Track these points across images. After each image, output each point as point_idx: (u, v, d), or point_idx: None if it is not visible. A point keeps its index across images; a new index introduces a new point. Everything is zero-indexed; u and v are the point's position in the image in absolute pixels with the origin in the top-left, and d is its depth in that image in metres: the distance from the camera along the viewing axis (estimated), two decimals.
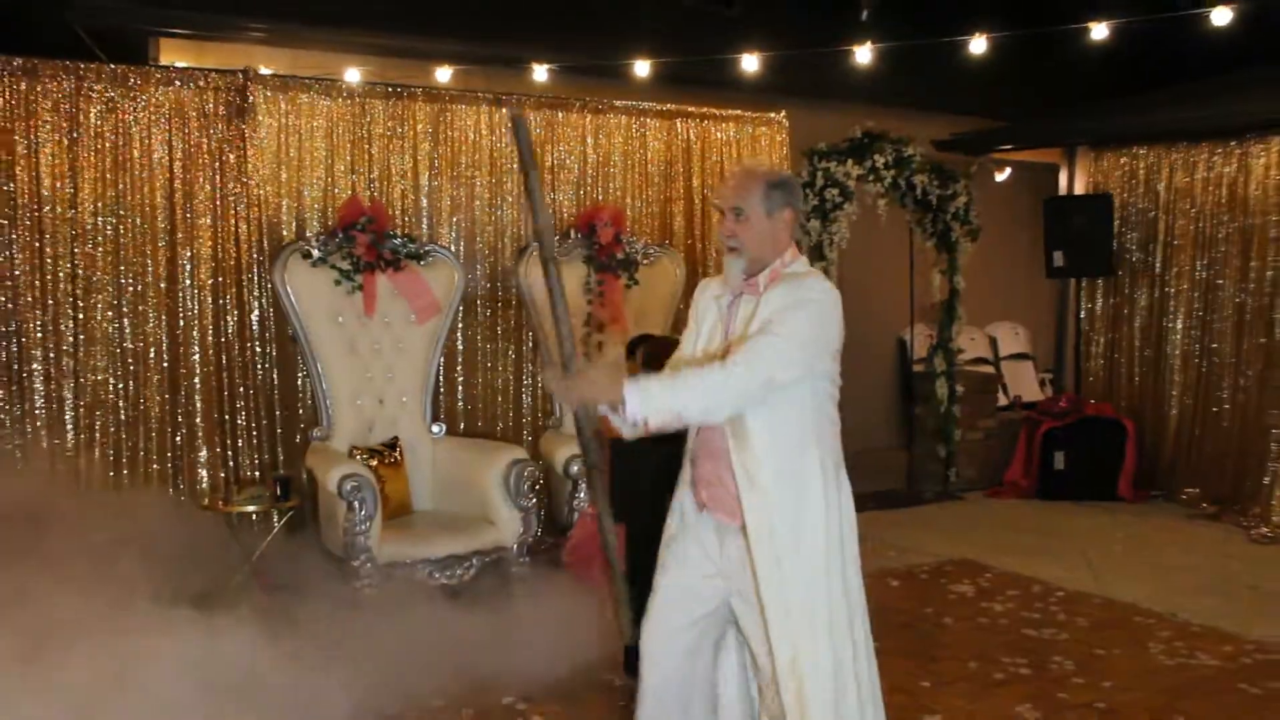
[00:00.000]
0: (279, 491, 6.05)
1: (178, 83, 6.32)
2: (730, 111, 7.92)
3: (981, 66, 8.21)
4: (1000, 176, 10.83)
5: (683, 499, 3.65)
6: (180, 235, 6.31)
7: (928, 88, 9.48)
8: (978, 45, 7.85)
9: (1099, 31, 7.57)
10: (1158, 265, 9.30)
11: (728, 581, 3.44)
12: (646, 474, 4.94)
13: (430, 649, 4.98)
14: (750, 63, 7.89)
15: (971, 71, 8.35)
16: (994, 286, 10.74)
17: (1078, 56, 7.95)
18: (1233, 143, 8.74)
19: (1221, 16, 7.17)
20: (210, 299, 6.39)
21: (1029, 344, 11.37)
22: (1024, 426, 9.50)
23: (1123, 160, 9.54)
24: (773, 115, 8.06)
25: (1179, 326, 9.17)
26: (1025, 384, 11.03)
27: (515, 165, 7.16)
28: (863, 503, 9.48)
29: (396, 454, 6.39)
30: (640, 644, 3.57)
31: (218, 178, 6.39)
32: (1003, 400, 10.48)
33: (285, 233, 6.55)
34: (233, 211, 6.42)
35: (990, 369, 10.78)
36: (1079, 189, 10.11)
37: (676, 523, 3.63)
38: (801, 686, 3.28)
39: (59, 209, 6.03)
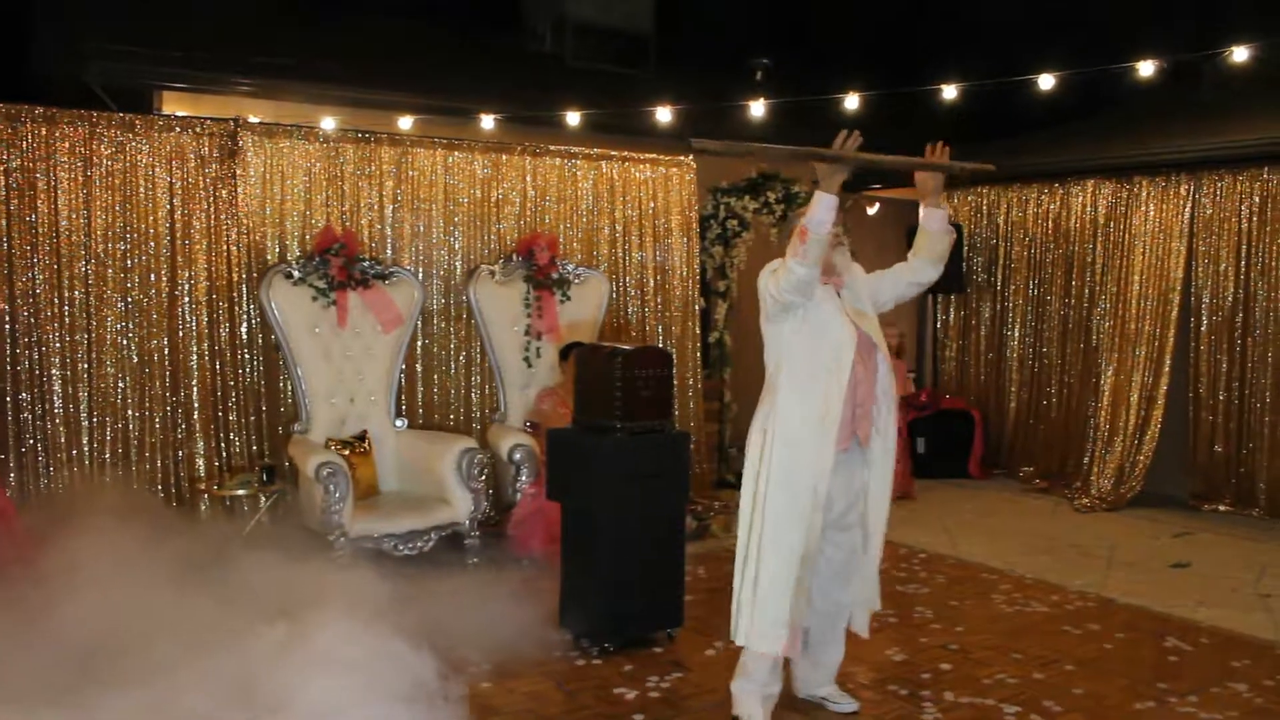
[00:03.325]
0: (265, 477, 6.00)
1: (177, 129, 6.24)
2: (647, 155, 7.96)
3: (855, 119, 8.29)
4: (871, 210, 10.98)
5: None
6: (180, 259, 6.22)
7: (810, 137, 9.56)
8: (851, 102, 7.98)
9: (949, 92, 7.72)
10: (999, 284, 9.49)
11: None
12: (579, 459, 4.99)
13: (394, 606, 4.96)
14: (663, 115, 7.94)
15: (846, 124, 8.37)
16: None
17: (932, 112, 8.09)
18: (1056, 184, 8.95)
19: (1046, 82, 7.37)
20: (205, 313, 6.30)
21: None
22: None
23: (970, 197, 9.73)
24: (682, 158, 8.10)
25: (1016, 334, 9.36)
26: None
27: (464, 199, 7.15)
28: None
29: (365, 444, 6.36)
30: None
31: (212, 210, 6.30)
32: None
33: (270, 257, 6.48)
34: (225, 238, 6.34)
35: None
36: None
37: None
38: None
39: (75, 236, 5.91)
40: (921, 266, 4.15)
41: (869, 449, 4.06)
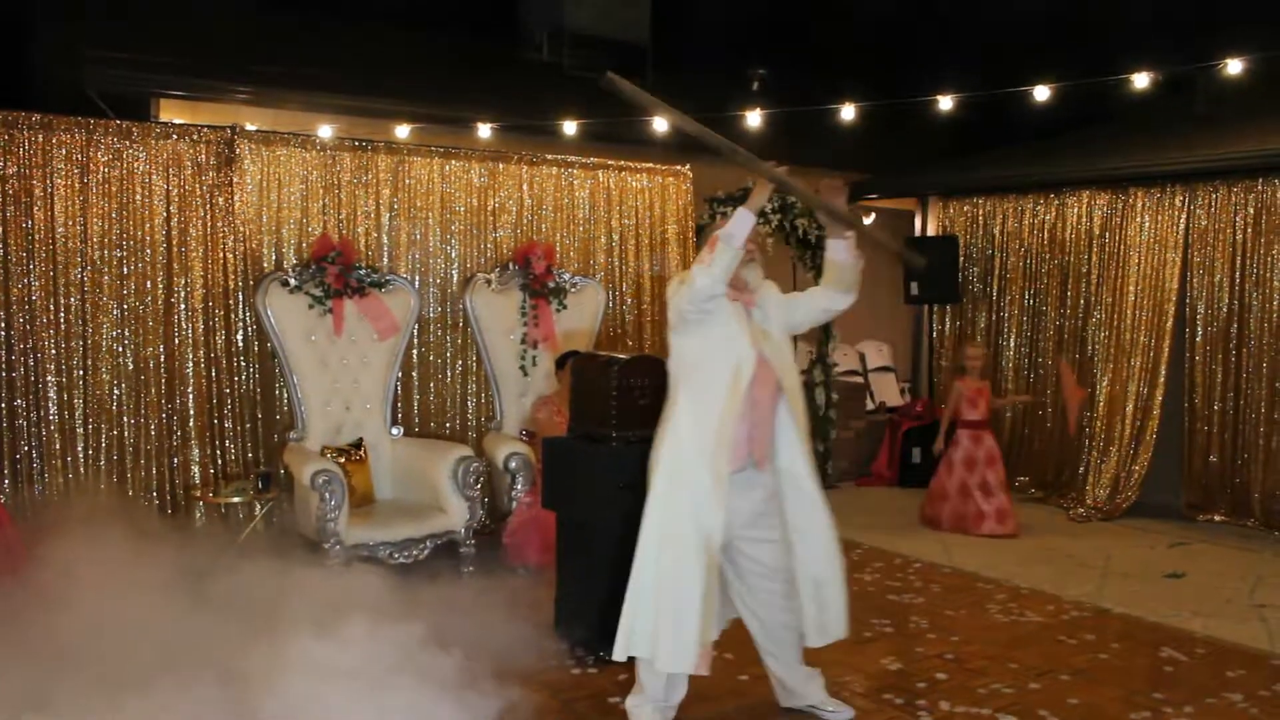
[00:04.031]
0: (260, 485, 5.99)
1: (175, 136, 6.24)
2: (644, 165, 7.98)
3: (851, 129, 8.37)
4: (867, 220, 11.01)
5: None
6: (176, 266, 6.21)
7: (807, 146, 9.60)
8: (848, 112, 8.02)
9: (945, 103, 7.76)
10: (994, 294, 9.49)
11: None
12: (575, 467, 4.98)
13: (398, 612, 4.95)
14: (660, 124, 7.96)
15: (843, 133, 8.50)
16: (862, 311, 10.80)
17: (929, 122, 8.13)
18: (1051, 195, 8.96)
19: (1041, 93, 7.40)
20: (201, 320, 6.29)
21: (891, 358, 11.52)
22: (887, 427, 9.65)
23: (966, 208, 9.74)
24: (679, 168, 8.12)
25: (1011, 344, 9.36)
26: (888, 391, 11.19)
27: (461, 207, 7.15)
28: None
29: (361, 452, 6.35)
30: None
31: (208, 217, 6.30)
32: (870, 405, 10.62)
33: (266, 264, 6.48)
34: (221, 246, 6.33)
35: (860, 379, 10.92)
36: (931, 231, 10.30)
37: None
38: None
39: (71, 243, 5.91)
40: (834, 295, 4.12)
41: (769, 472, 4.04)
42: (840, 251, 4.06)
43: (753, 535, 4.04)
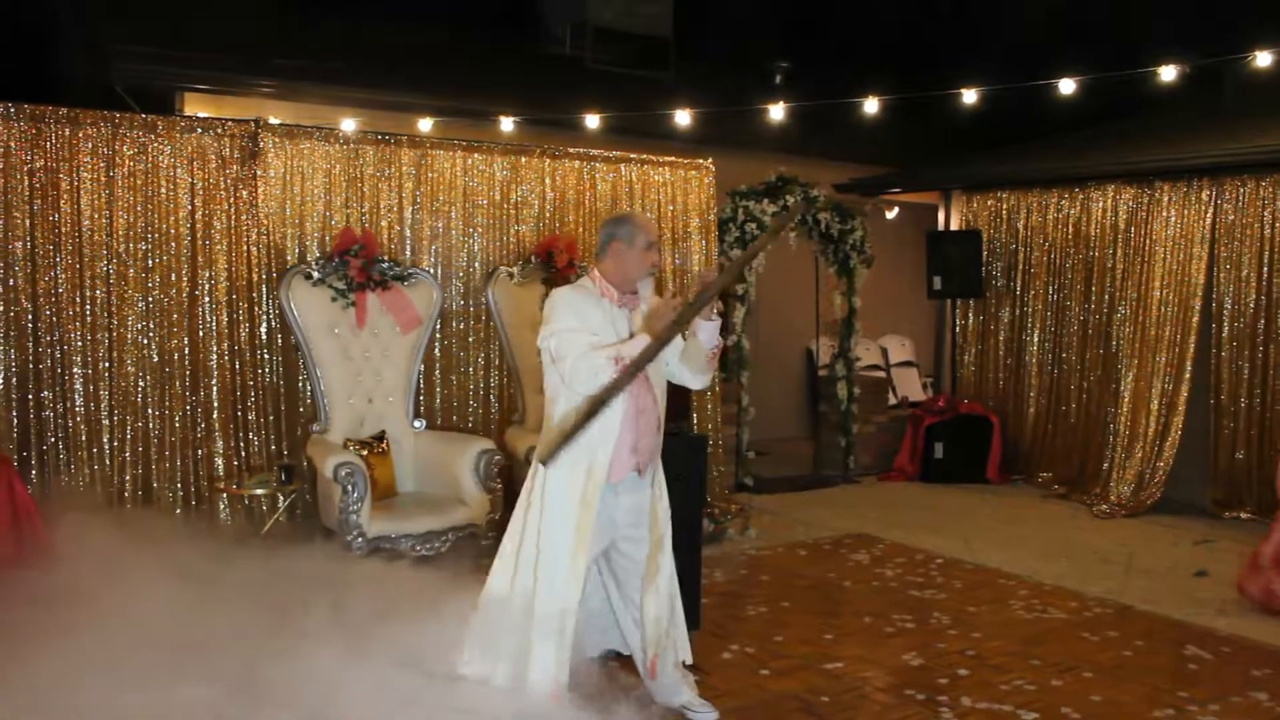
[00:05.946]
0: (284, 477, 6.01)
1: (199, 130, 6.26)
2: (666, 158, 7.95)
3: (874, 123, 8.33)
4: (890, 214, 10.97)
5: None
6: (200, 259, 6.24)
7: (830, 140, 9.58)
8: (871, 105, 7.97)
9: (969, 96, 7.70)
10: (1018, 289, 9.45)
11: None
12: None
13: (417, 603, 4.97)
14: (683, 118, 7.96)
15: (866, 127, 8.46)
16: (885, 305, 10.86)
17: (952, 116, 8.07)
18: (1076, 189, 8.90)
19: (1067, 86, 7.34)
20: (225, 313, 6.31)
21: (914, 353, 11.49)
22: (910, 422, 9.62)
23: (989, 202, 9.69)
24: (701, 161, 8.09)
25: (1035, 339, 9.32)
26: (911, 386, 11.15)
27: (483, 200, 7.15)
28: (776, 485, 9.52)
29: (384, 445, 6.37)
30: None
31: (232, 210, 6.32)
32: (892, 400, 10.60)
33: (289, 257, 6.49)
34: (245, 239, 6.36)
35: (882, 374, 10.90)
36: (954, 225, 10.25)
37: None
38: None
39: (97, 236, 5.94)
40: (687, 375, 4.02)
41: (649, 479, 3.99)
42: (703, 331, 3.91)
43: (632, 535, 4.00)
